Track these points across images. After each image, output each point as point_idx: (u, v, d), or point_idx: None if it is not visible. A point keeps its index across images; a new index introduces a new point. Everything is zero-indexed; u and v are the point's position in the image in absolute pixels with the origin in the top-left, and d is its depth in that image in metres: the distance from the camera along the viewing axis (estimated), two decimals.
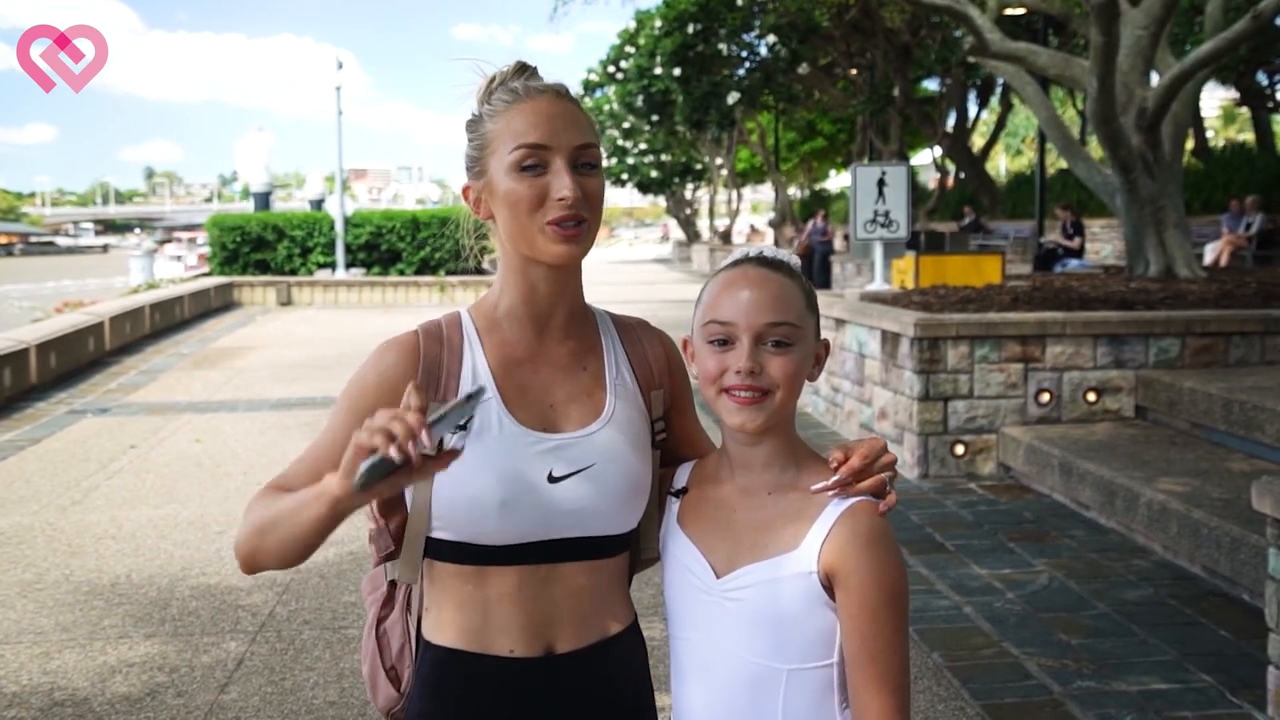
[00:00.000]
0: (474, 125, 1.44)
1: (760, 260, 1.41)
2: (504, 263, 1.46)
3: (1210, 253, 15.25)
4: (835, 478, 1.36)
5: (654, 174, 43.19)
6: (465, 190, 1.47)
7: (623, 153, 42.47)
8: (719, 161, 39.71)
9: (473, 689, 1.41)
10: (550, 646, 1.41)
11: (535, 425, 1.41)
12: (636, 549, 1.53)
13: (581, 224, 1.38)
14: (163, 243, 59.87)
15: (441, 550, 1.42)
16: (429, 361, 1.42)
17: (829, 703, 1.37)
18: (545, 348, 1.46)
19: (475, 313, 1.48)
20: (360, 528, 5.87)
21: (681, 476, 1.51)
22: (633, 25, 28.62)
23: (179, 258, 39.58)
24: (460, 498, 1.38)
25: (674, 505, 1.49)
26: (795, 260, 1.44)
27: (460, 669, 1.41)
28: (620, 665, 1.47)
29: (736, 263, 1.42)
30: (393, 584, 1.51)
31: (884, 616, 1.31)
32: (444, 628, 1.43)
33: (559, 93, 1.42)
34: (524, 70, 1.46)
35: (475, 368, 1.43)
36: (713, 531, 1.42)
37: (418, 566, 1.44)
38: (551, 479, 1.39)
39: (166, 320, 15.18)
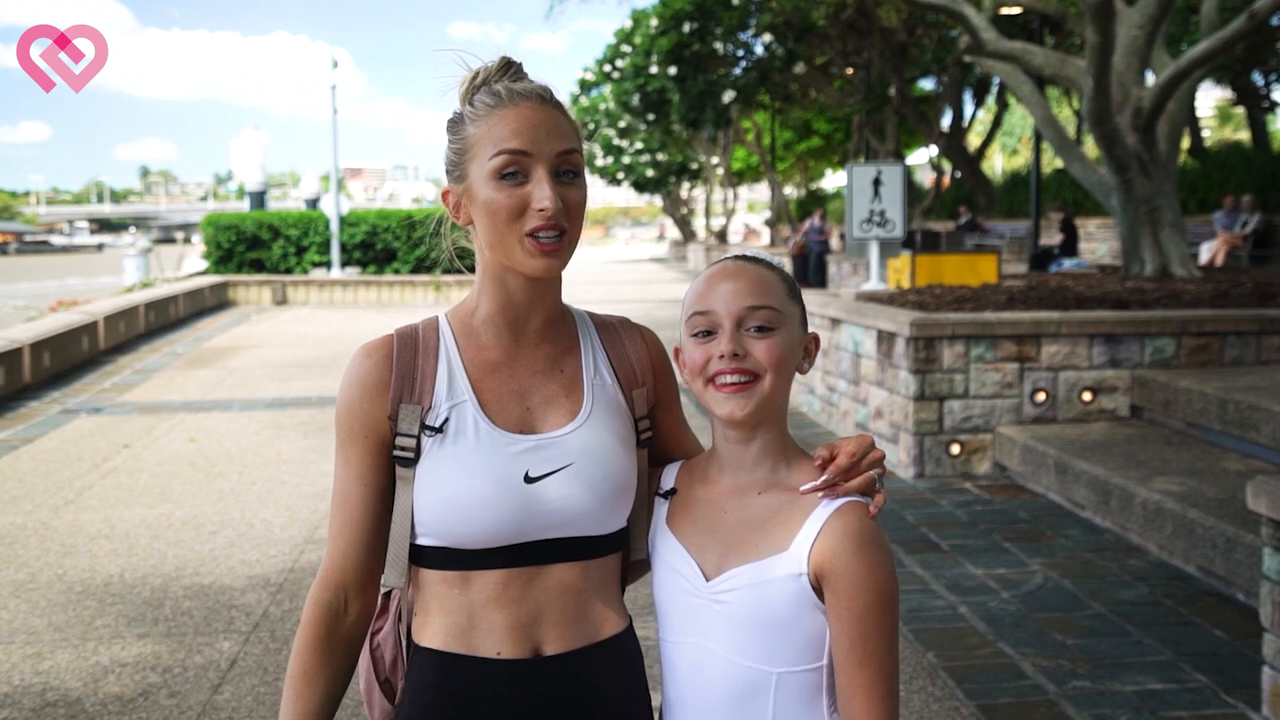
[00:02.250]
0: (455, 126, 1.43)
1: (738, 258, 1.43)
2: (482, 269, 1.45)
3: (1206, 252, 15.26)
4: (823, 478, 1.35)
5: (650, 173, 43.19)
6: (444, 194, 1.46)
7: (618, 152, 42.43)
8: (715, 161, 39.75)
9: (460, 691, 1.40)
10: (538, 648, 1.41)
11: (512, 427, 1.41)
12: (629, 552, 1.52)
13: (561, 236, 1.37)
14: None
15: (425, 556, 1.42)
16: (403, 365, 1.42)
17: (818, 706, 1.36)
18: (522, 352, 1.46)
19: (453, 317, 1.48)
20: None
21: (669, 477, 1.51)
22: (629, 24, 28.61)
23: None
24: (438, 501, 1.38)
25: (662, 507, 1.48)
26: (776, 259, 1.45)
27: (447, 671, 1.41)
28: (612, 668, 1.45)
29: (716, 262, 1.45)
30: (386, 596, 1.51)
31: (874, 620, 1.30)
32: (431, 630, 1.43)
33: (543, 98, 1.40)
34: (509, 67, 1.44)
35: (451, 372, 1.43)
36: (702, 533, 1.41)
37: (404, 570, 1.44)
38: (528, 479, 1.38)
39: (161, 319, 15.14)
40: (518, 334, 1.46)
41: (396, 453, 1.40)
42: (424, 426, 1.39)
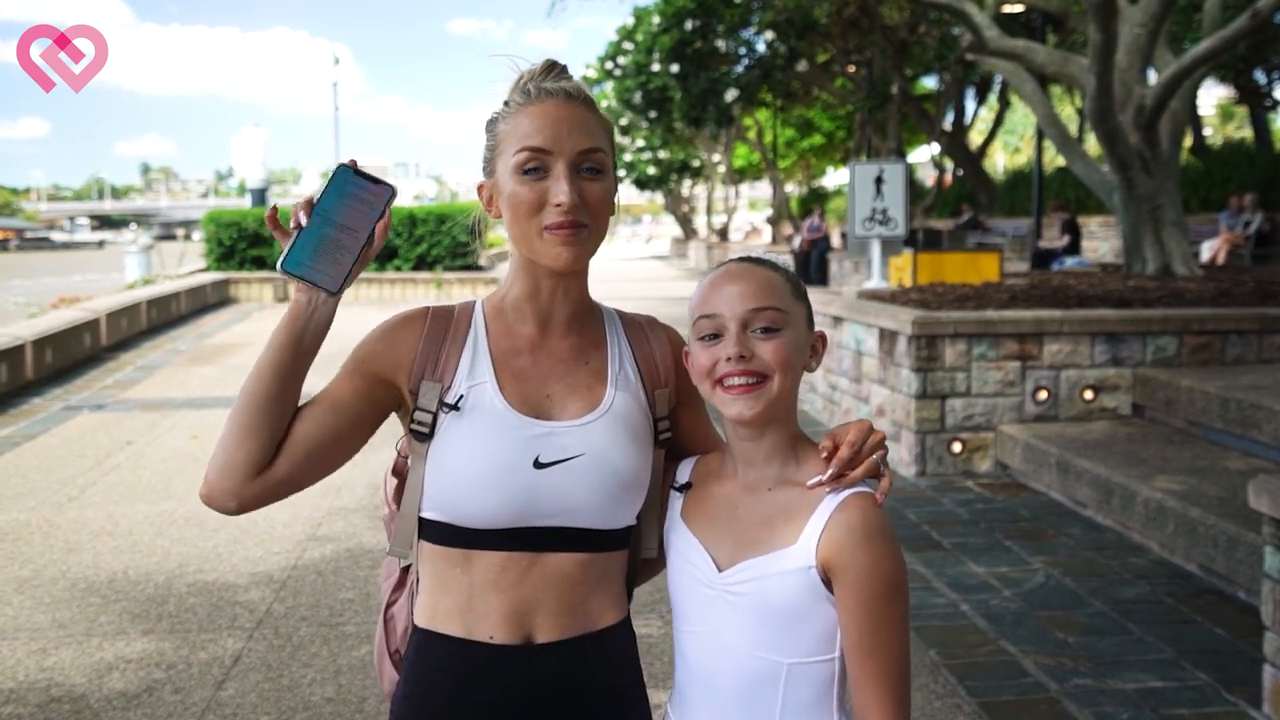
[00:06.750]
0: (491, 125, 1.47)
1: (741, 260, 1.45)
2: (512, 258, 1.49)
3: (1207, 250, 15.25)
4: (829, 472, 1.37)
5: (651, 170, 43.14)
6: (480, 188, 1.50)
7: (620, 150, 42.33)
8: (716, 158, 39.68)
9: (451, 673, 1.43)
10: (529, 635, 1.43)
11: (529, 411, 1.43)
12: (638, 550, 1.53)
13: (580, 230, 1.39)
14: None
15: (431, 531, 1.44)
16: (431, 339, 1.45)
17: (829, 697, 1.38)
18: (548, 340, 1.48)
19: (487, 302, 1.52)
20: (356, 524, 5.82)
21: (684, 472, 1.53)
22: (630, 21, 28.55)
23: None
24: (448, 474, 1.40)
25: (677, 500, 1.51)
26: (780, 259, 1.47)
27: (440, 652, 1.44)
28: (603, 661, 1.47)
29: (719, 265, 1.47)
30: (405, 570, 1.54)
31: (882, 610, 1.32)
32: (430, 611, 1.45)
33: (570, 94, 1.42)
34: (551, 69, 1.47)
35: (476, 353, 1.45)
36: (716, 527, 1.44)
37: (411, 543, 1.46)
38: (538, 464, 1.40)
39: (163, 316, 15.15)
40: (544, 322, 1.48)
41: (414, 426, 1.43)
42: (442, 404, 1.42)
